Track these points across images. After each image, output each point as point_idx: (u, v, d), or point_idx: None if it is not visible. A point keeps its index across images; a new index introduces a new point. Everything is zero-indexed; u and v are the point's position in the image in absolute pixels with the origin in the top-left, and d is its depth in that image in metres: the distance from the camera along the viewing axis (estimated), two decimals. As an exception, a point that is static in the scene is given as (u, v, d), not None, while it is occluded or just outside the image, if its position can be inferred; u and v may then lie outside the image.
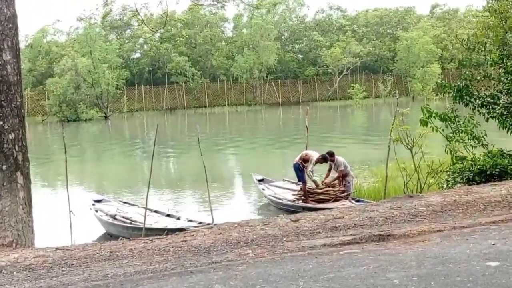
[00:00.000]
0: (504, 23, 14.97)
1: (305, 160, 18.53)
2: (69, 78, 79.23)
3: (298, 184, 19.16)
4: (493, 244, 6.80)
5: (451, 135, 15.42)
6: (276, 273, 6.10)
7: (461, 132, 15.35)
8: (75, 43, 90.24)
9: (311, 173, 18.42)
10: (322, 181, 18.87)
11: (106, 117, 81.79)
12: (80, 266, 7.16)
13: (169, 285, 5.98)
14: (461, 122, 15.39)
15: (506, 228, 7.76)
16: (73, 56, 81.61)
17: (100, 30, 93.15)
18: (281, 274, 6.05)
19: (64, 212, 15.67)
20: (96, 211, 17.64)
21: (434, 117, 15.27)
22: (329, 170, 19.16)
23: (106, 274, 6.67)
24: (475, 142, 15.30)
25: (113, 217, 16.69)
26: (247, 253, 7.19)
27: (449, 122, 15.40)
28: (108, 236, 16.31)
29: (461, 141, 15.30)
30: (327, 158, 18.63)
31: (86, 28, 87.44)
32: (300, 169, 18.38)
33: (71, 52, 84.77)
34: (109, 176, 31.47)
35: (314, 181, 18.74)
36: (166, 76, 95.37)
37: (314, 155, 18.71)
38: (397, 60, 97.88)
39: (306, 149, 20.28)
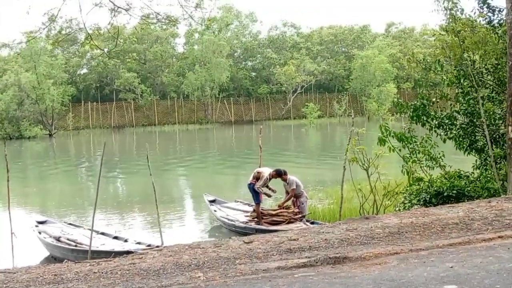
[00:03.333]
0: (462, 43, 15.21)
1: (257, 178, 18.49)
2: (12, 94, 78.20)
3: (252, 206, 19.15)
4: (451, 267, 6.87)
5: (408, 155, 15.60)
6: (228, 297, 6.08)
7: (418, 153, 15.55)
8: (19, 57, 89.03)
9: (260, 189, 18.30)
10: (278, 205, 18.85)
11: (50, 135, 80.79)
12: (23, 290, 7.04)
13: (117, 309, 5.92)
14: (418, 143, 15.59)
15: (463, 250, 7.84)
16: (17, 71, 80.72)
17: (45, 44, 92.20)
18: (234, 298, 6.03)
19: (5, 234, 15.42)
20: (40, 232, 17.40)
21: (392, 136, 15.43)
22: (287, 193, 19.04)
23: (50, 298, 6.57)
24: (432, 163, 15.53)
25: (58, 239, 16.47)
26: (198, 276, 7.14)
27: (406, 142, 15.57)
28: (52, 259, 16.09)
29: (418, 162, 15.50)
30: (281, 172, 18.55)
31: (30, 42, 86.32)
32: (255, 190, 18.34)
33: (14, 66, 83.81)
34: (53, 196, 31.06)
35: (270, 190, 18.64)
36: (114, 93, 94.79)
37: (266, 171, 18.65)
38: (352, 79, 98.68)
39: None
